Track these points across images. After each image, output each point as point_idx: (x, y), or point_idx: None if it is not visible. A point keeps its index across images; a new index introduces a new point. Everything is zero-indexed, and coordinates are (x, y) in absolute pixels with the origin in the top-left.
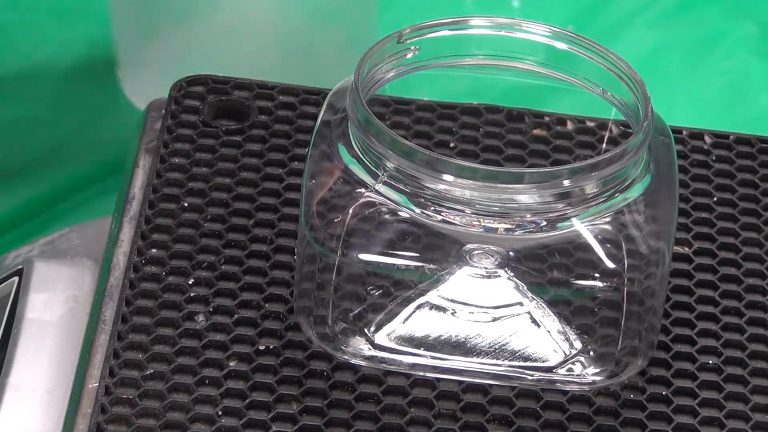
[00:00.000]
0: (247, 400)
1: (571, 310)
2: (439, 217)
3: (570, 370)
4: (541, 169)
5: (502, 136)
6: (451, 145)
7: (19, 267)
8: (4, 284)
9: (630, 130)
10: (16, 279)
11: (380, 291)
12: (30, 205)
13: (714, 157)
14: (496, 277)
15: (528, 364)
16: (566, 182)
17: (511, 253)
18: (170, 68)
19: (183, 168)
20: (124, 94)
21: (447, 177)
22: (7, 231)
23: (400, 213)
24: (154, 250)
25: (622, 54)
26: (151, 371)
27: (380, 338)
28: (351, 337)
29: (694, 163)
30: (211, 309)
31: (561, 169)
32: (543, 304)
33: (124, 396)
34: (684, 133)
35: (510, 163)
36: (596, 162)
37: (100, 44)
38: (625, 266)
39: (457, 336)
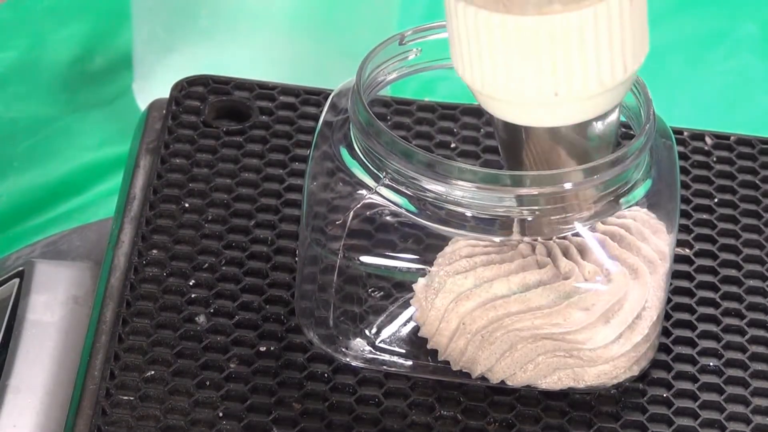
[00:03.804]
0: (248, 402)
1: None
2: (440, 219)
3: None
4: (543, 172)
5: None
6: (452, 145)
7: (20, 268)
8: (5, 286)
9: (631, 132)
10: (17, 280)
11: (381, 293)
12: (30, 205)
13: (715, 159)
14: None
15: None
16: (567, 185)
17: None
18: (183, 73)
19: (184, 169)
20: (128, 95)
21: (448, 179)
22: (7, 231)
23: (401, 215)
24: (154, 252)
25: None
26: (152, 373)
27: (381, 340)
28: (352, 339)
29: (694, 164)
30: (211, 311)
31: (562, 171)
32: None
33: (125, 398)
34: (685, 134)
35: None
36: (598, 165)
37: (103, 44)
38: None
39: None
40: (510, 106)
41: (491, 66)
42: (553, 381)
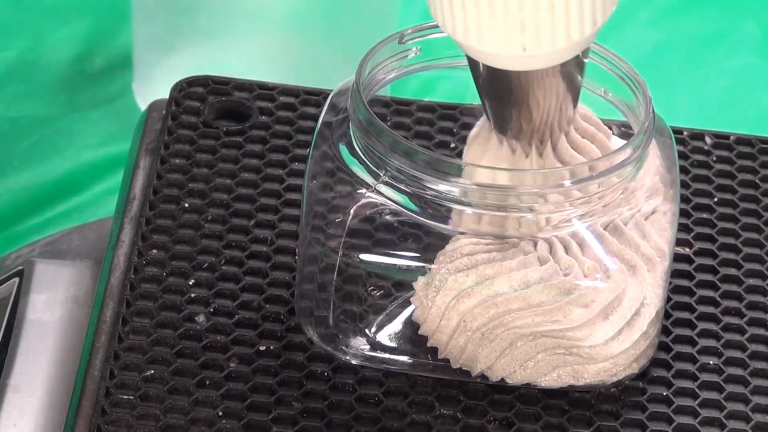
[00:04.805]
0: (248, 402)
1: None
2: (441, 217)
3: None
4: (542, 170)
5: None
6: (452, 145)
7: (20, 268)
8: (4, 285)
9: (631, 131)
10: (16, 280)
11: (381, 291)
12: (30, 205)
13: (714, 158)
14: None
15: None
16: (567, 182)
17: None
18: (183, 73)
19: (183, 169)
20: (128, 95)
21: (448, 177)
22: (7, 231)
23: (401, 213)
24: (154, 251)
25: (622, 53)
26: (152, 372)
27: (381, 338)
28: (352, 338)
29: (694, 163)
30: (211, 310)
31: (562, 169)
32: None
33: (124, 397)
34: (685, 133)
35: None
36: (597, 163)
37: (103, 44)
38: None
39: None
40: (482, 53)
41: (463, 18)
42: (552, 379)
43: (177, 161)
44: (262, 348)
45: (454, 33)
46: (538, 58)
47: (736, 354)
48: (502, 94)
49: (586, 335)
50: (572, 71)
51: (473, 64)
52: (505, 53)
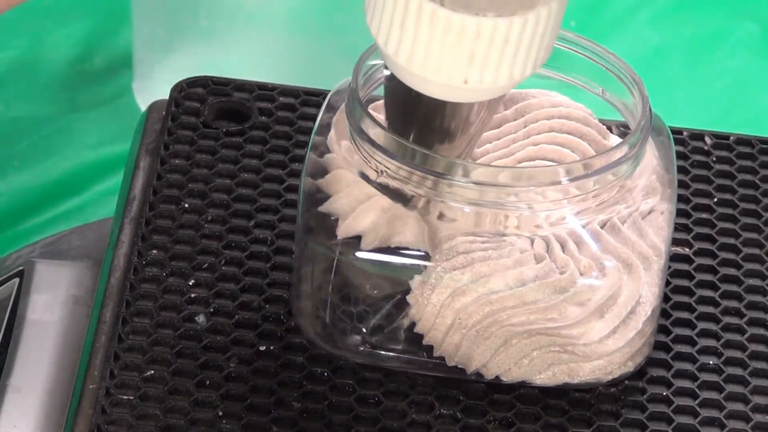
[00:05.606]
0: (247, 402)
1: None
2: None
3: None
4: (540, 168)
5: None
6: None
7: (20, 268)
8: (5, 285)
9: (629, 131)
10: (17, 280)
11: (378, 290)
12: (30, 205)
13: (714, 158)
14: None
15: None
16: (564, 181)
17: None
18: (183, 73)
19: (183, 169)
20: (128, 95)
21: (444, 175)
22: (7, 231)
23: None
24: (154, 252)
25: (621, 53)
26: (152, 372)
27: (378, 337)
28: (350, 337)
29: (694, 164)
30: (211, 310)
31: (558, 167)
32: None
33: (124, 397)
34: (684, 133)
35: None
36: (594, 161)
37: (103, 44)
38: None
39: None
40: (419, 78)
41: (411, 43)
42: (547, 377)
43: (177, 162)
44: (262, 348)
45: (397, 54)
46: (474, 92)
47: (736, 354)
48: (423, 119)
49: (582, 333)
50: (496, 107)
51: (398, 86)
52: (445, 82)
